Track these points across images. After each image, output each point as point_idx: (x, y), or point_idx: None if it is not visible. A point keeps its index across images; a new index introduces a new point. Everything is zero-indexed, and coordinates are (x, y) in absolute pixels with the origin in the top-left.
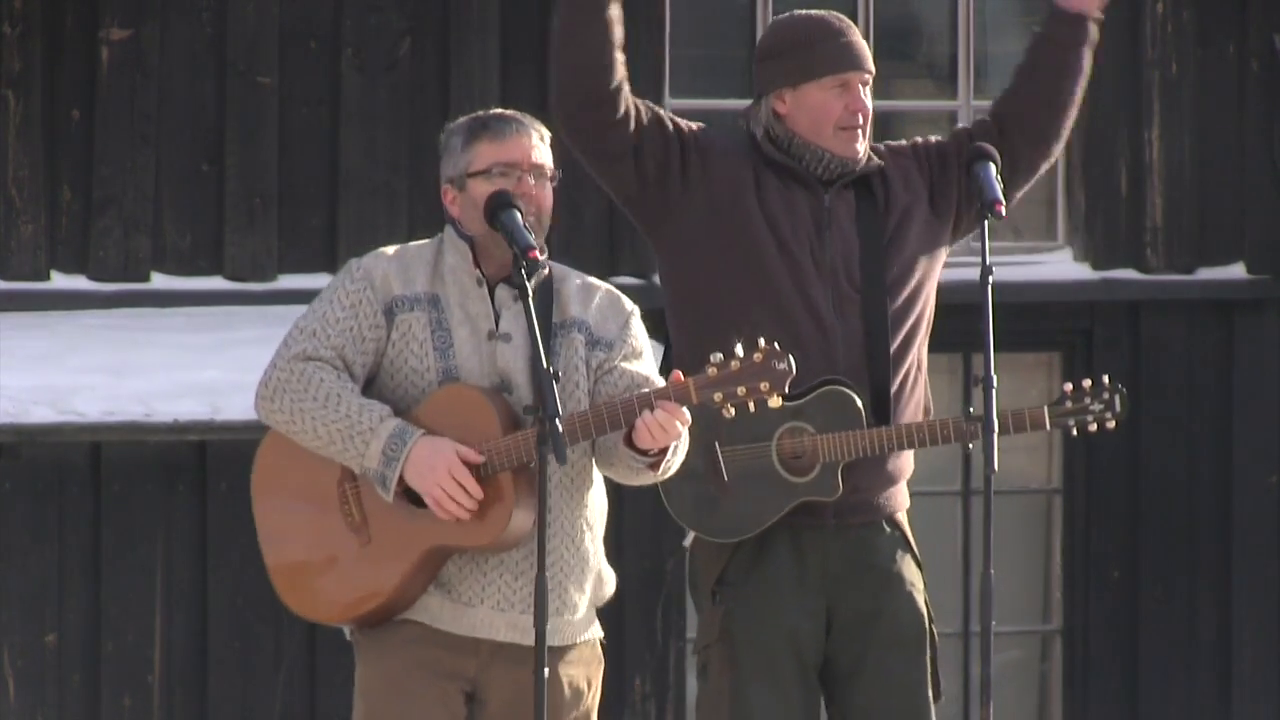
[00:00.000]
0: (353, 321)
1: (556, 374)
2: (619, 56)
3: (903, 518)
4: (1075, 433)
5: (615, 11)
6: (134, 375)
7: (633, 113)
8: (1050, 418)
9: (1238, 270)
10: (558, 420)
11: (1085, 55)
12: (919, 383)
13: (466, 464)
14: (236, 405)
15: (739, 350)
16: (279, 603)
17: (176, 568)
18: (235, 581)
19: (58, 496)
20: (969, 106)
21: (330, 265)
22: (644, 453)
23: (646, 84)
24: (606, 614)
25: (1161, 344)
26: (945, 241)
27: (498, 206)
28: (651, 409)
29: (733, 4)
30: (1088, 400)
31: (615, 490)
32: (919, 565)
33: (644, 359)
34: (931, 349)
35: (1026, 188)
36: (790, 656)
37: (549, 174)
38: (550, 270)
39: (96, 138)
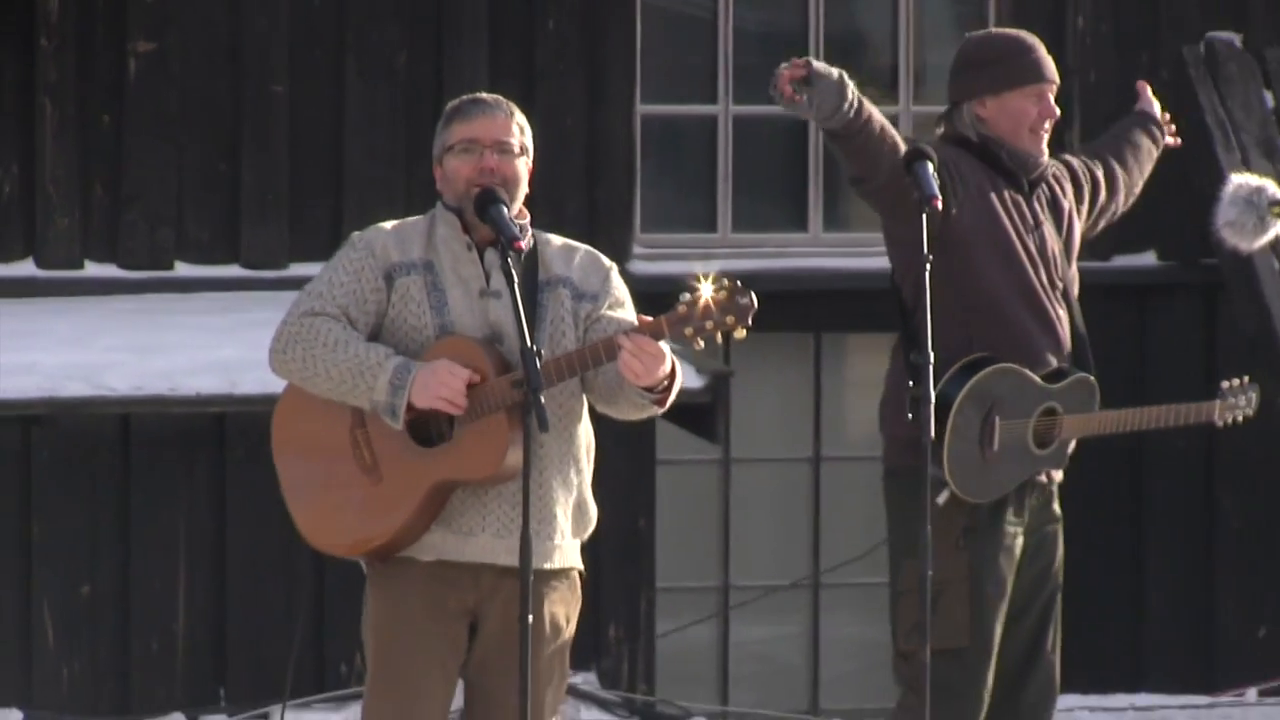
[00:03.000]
0: (355, 285)
1: (539, 350)
2: (889, 141)
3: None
4: (1225, 425)
5: (884, 122)
6: (159, 354)
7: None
8: (1220, 412)
9: (1150, 258)
10: (540, 393)
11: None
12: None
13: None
14: (251, 380)
15: (706, 286)
16: (290, 557)
17: (197, 527)
18: (251, 539)
19: (90, 463)
20: (909, 111)
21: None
22: (646, 389)
23: (619, 92)
24: (585, 568)
25: (1086, 329)
26: None
27: (486, 202)
28: (619, 347)
29: (698, 18)
30: (1240, 397)
31: (600, 454)
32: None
33: (626, 307)
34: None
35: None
36: (1007, 593)
37: (514, 150)
38: (533, 236)
39: (125, 140)
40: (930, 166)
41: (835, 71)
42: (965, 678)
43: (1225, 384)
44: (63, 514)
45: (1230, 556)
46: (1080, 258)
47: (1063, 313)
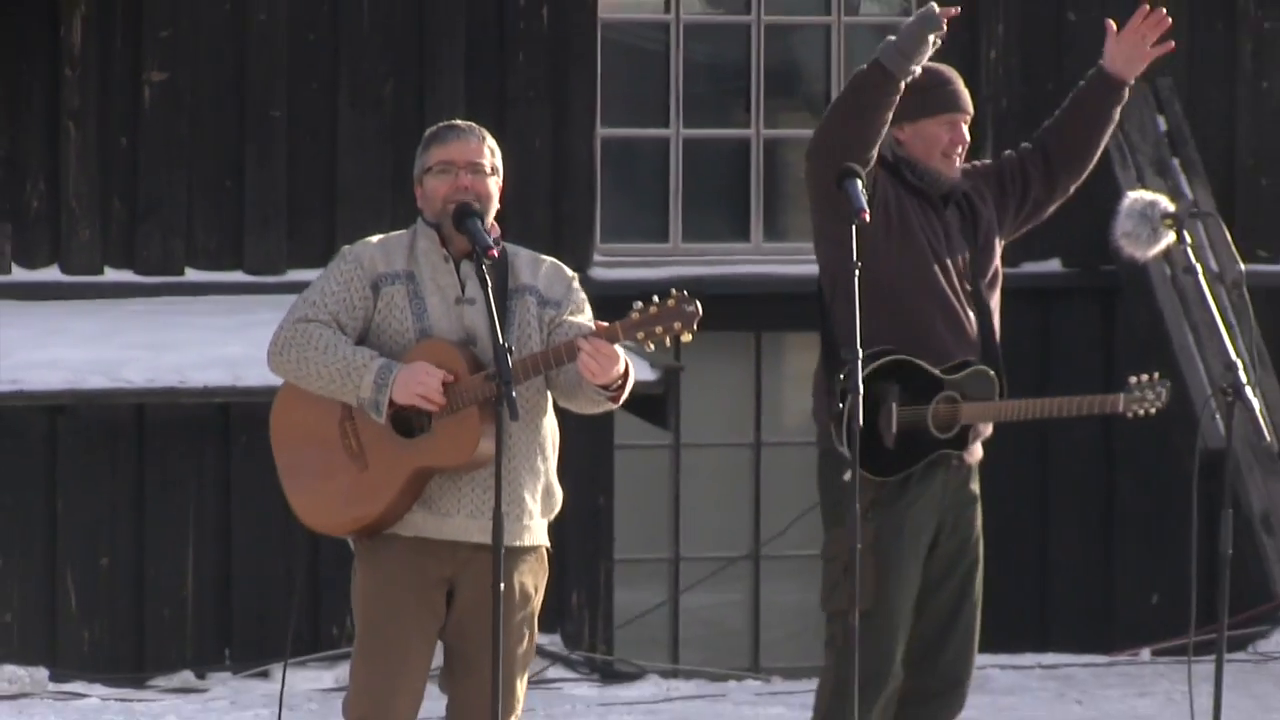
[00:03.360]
0: (345, 294)
1: (510, 348)
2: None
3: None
4: (1131, 416)
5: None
6: (170, 350)
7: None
8: (1124, 404)
9: (1055, 264)
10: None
11: (1118, 111)
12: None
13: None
14: (254, 375)
15: (655, 298)
16: (288, 533)
17: (205, 506)
18: (252, 517)
19: (109, 448)
20: None
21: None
22: (602, 387)
23: (581, 117)
24: (551, 542)
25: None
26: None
27: (463, 216)
28: (578, 349)
29: (652, 51)
30: (1148, 392)
31: (564, 444)
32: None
33: (586, 313)
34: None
35: (1059, 203)
36: (914, 562)
37: (486, 170)
38: (504, 248)
39: (140, 160)
40: (859, 183)
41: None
42: (871, 636)
43: (1133, 379)
44: (84, 494)
45: (1127, 533)
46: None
47: (972, 314)
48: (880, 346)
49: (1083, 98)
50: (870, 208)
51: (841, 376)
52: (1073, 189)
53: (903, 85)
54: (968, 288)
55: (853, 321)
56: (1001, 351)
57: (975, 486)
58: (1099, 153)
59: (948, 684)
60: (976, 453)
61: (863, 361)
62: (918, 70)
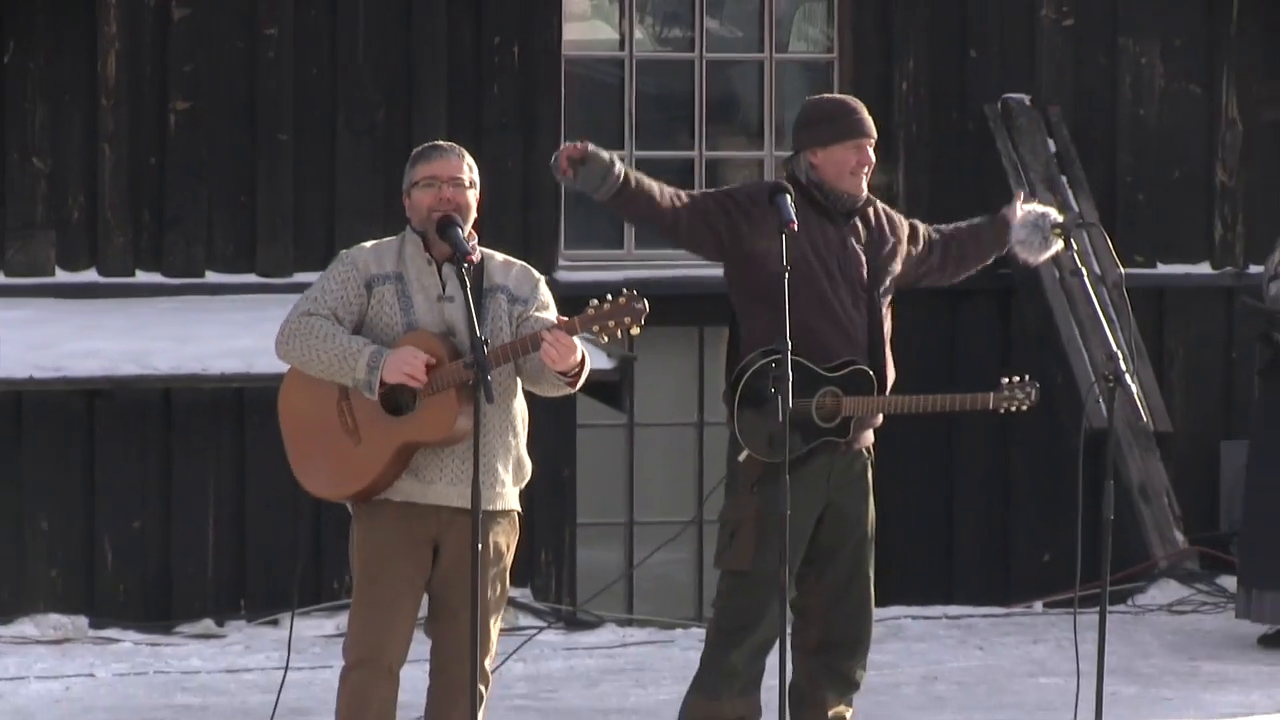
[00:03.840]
0: (343, 292)
1: (486, 340)
2: (666, 203)
3: (869, 453)
4: (1002, 412)
5: (655, 191)
6: (193, 342)
7: (699, 225)
8: (994, 401)
9: None
10: (487, 372)
11: (995, 256)
12: (889, 360)
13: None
14: (264, 363)
15: (609, 296)
16: (294, 499)
17: (223, 476)
18: (264, 485)
19: (140, 427)
20: (772, 156)
21: (329, 264)
22: (562, 373)
23: (547, 140)
24: (522, 508)
25: (904, 323)
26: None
27: (445, 225)
28: (542, 340)
29: (609, 84)
30: (1019, 392)
31: (533, 422)
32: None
33: (550, 310)
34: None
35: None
36: (794, 532)
37: (465, 184)
38: (480, 253)
39: (167, 177)
40: (789, 198)
41: (608, 155)
42: (745, 592)
43: (1005, 380)
44: (118, 466)
45: (1022, 500)
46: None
47: (860, 319)
48: (770, 346)
49: (979, 233)
50: (770, 232)
51: (744, 371)
52: (955, 281)
53: (629, 192)
54: (863, 294)
55: (749, 324)
56: (890, 349)
57: (867, 471)
58: (975, 269)
59: (849, 639)
60: (864, 440)
61: (754, 359)
62: (618, 186)
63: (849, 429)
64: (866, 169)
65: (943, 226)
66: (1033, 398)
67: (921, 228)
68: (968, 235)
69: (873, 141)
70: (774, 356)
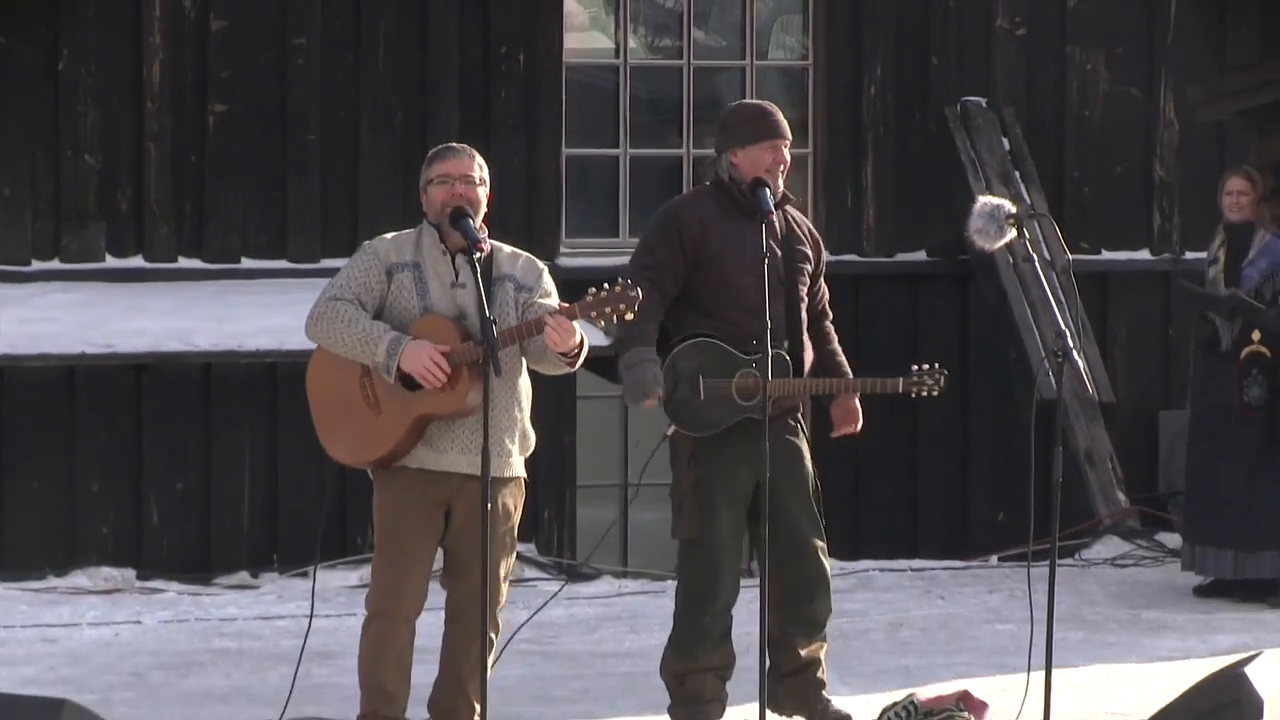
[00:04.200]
0: (365, 279)
1: (494, 320)
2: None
3: (801, 418)
4: (913, 396)
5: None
6: (231, 322)
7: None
8: (904, 386)
9: (921, 255)
10: (496, 349)
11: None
12: (807, 344)
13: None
14: (295, 341)
15: (606, 285)
16: (321, 465)
17: (257, 443)
18: (294, 451)
19: (182, 398)
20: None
21: (353, 253)
22: (563, 354)
23: (550, 140)
24: (527, 473)
25: (873, 304)
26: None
27: (458, 217)
28: (545, 324)
29: (606, 89)
30: (928, 379)
31: (536, 396)
32: (809, 441)
33: (552, 296)
34: None
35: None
36: (734, 500)
37: (476, 181)
38: (490, 244)
39: (206, 173)
40: (768, 191)
41: (653, 371)
42: (699, 558)
43: (915, 367)
44: (164, 433)
45: (980, 465)
46: (869, 253)
47: (777, 308)
48: (692, 332)
49: (827, 382)
50: (697, 239)
51: (673, 355)
52: None
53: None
54: (780, 286)
55: (680, 312)
56: (804, 335)
57: (796, 437)
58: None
59: (807, 589)
60: (789, 412)
61: (678, 342)
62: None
63: (768, 406)
64: (782, 167)
65: (824, 328)
66: (941, 384)
67: (819, 274)
68: (817, 363)
69: (787, 143)
70: (696, 340)
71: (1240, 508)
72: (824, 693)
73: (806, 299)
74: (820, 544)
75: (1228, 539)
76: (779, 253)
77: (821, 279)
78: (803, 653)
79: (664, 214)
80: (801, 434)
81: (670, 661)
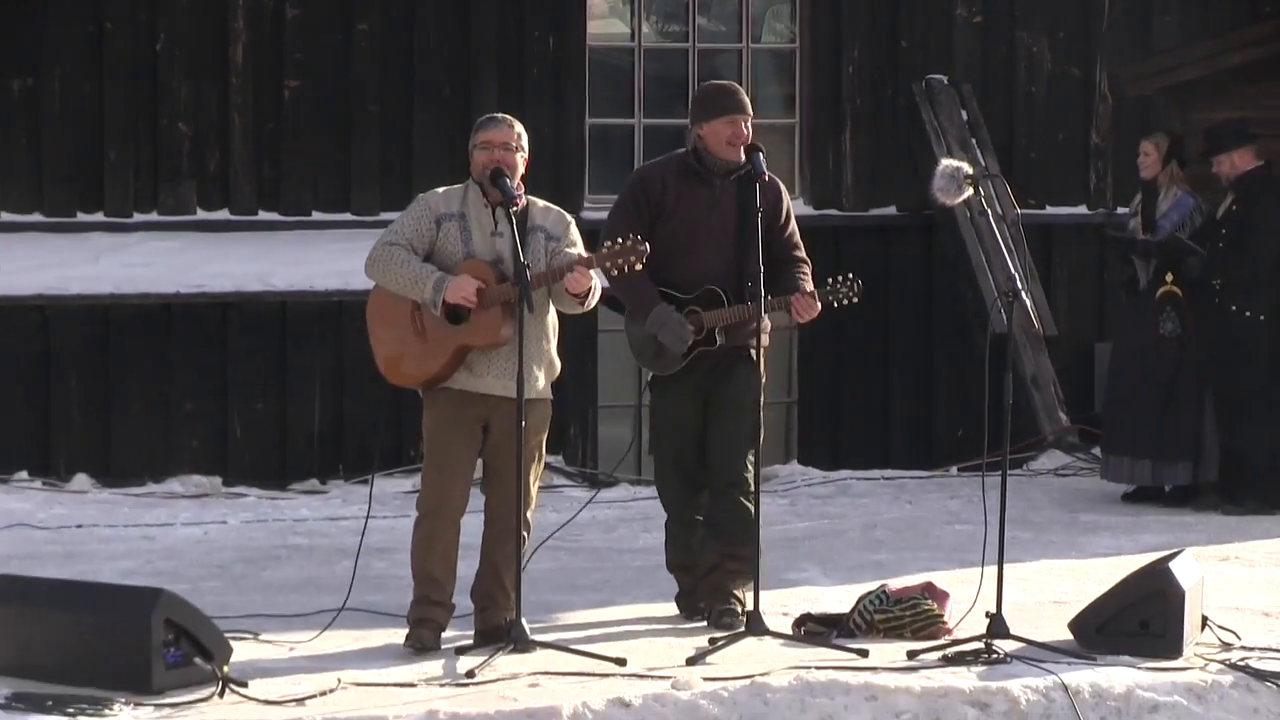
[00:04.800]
0: (417, 227)
1: (528, 264)
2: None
3: (752, 350)
4: (834, 305)
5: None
6: (303, 265)
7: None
8: (820, 296)
9: (892, 209)
10: (529, 289)
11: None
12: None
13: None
14: (358, 282)
15: (619, 239)
16: (379, 384)
17: (326, 368)
18: (355, 374)
19: (263, 331)
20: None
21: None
22: (576, 295)
23: (575, 111)
24: (555, 389)
25: (852, 255)
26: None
27: (496, 176)
28: (571, 269)
29: (622, 67)
30: (842, 287)
31: (562, 329)
32: (759, 368)
33: (577, 246)
34: None
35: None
36: (690, 411)
37: (514, 147)
38: (525, 199)
39: (282, 138)
40: (761, 156)
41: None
42: (659, 476)
43: (830, 279)
44: (246, 362)
45: (942, 389)
46: (847, 208)
47: (726, 259)
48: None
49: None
50: (658, 195)
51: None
52: None
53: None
54: (729, 243)
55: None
56: (762, 274)
57: (746, 364)
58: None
59: (730, 479)
60: (739, 342)
61: None
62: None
63: (714, 338)
64: (741, 140)
65: (795, 258)
66: (855, 290)
67: (782, 229)
68: (778, 276)
69: (748, 119)
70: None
71: (1157, 426)
72: (730, 598)
73: (761, 249)
74: (749, 449)
75: (1145, 450)
76: (733, 212)
77: (790, 230)
78: (714, 556)
79: (635, 175)
80: (750, 361)
81: (669, 557)
